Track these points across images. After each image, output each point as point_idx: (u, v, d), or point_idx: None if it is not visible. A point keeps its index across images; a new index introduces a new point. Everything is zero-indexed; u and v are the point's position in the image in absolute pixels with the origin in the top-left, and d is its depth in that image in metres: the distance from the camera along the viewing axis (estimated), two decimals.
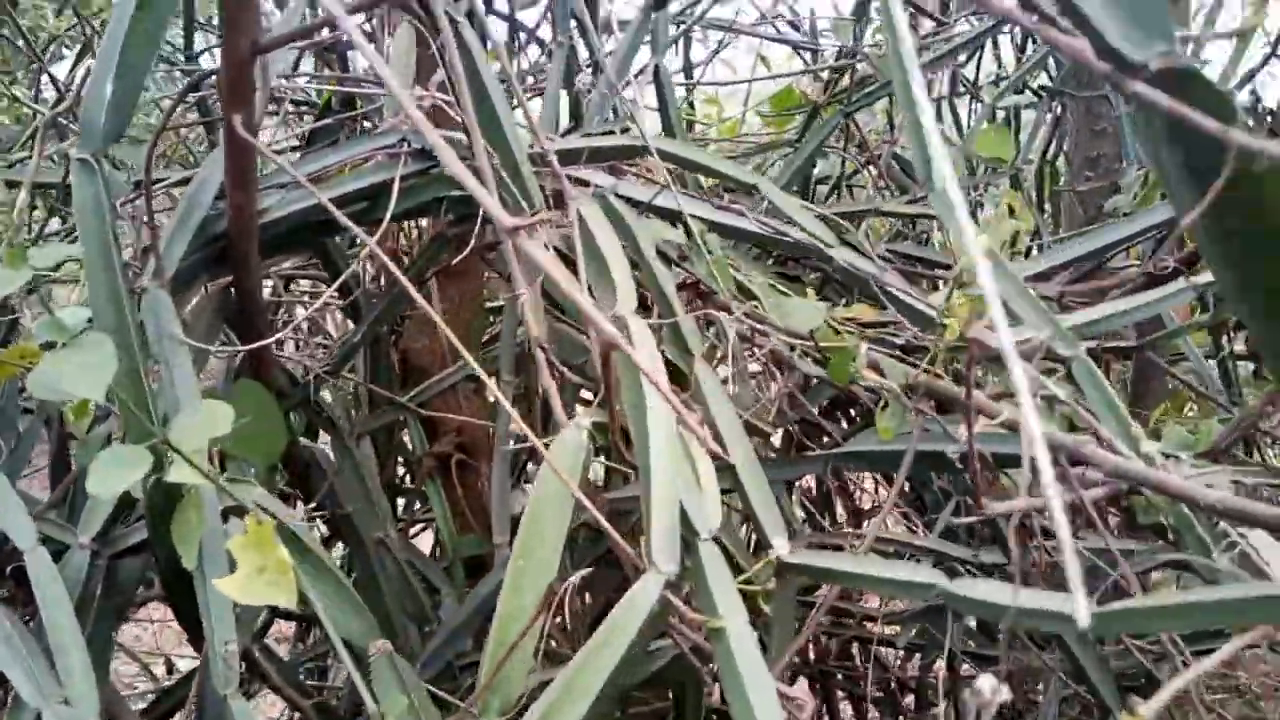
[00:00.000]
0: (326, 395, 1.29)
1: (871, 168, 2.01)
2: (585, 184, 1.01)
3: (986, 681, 0.38)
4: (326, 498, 1.19)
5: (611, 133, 1.05)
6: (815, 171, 2.03)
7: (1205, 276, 1.05)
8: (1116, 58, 0.36)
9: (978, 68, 2.44)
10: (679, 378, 0.87)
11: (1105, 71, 0.37)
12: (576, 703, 0.56)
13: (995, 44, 2.49)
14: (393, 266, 0.74)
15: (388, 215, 0.94)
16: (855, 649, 1.95)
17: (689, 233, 1.01)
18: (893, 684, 2.05)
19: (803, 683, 1.94)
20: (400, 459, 1.55)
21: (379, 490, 1.29)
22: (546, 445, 0.69)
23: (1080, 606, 0.53)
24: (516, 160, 0.82)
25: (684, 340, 0.85)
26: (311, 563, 0.79)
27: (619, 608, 0.59)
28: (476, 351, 1.39)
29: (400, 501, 1.67)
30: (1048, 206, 2.28)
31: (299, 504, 1.27)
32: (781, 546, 0.79)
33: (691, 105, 2.45)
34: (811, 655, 1.86)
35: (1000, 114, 2.82)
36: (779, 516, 0.80)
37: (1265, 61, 1.85)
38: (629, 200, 0.98)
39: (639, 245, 0.89)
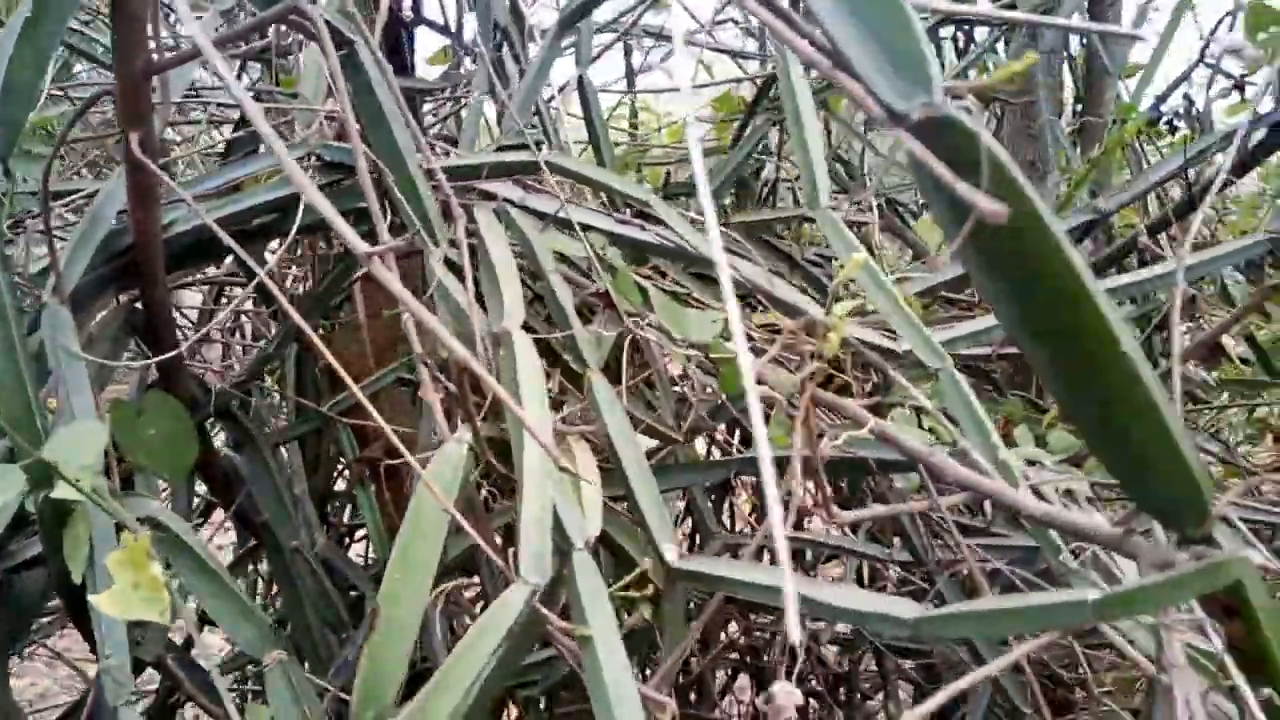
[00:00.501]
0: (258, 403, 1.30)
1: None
2: (493, 197, 1.02)
3: (780, 687, 0.41)
4: (250, 507, 1.20)
5: (522, 146, 1.07)
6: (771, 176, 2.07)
7: (1132, 277, 1.09)
8: (888, 108, 0.39)
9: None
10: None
11: (881, 119, 0.40)
12: (443, 696, 0.58)
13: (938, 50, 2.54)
14: (277, 291, 0.76)
15: (293, 229, 0.95)
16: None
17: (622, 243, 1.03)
18: (831, 678, 2.09)
19: (744, 681, 1.97)
20: (337, 465, 1.56)
21: (304, 497, 1.30)
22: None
23: (906, 610, 0.55)
24: (412, 178, 0.84)
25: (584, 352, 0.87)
26: (207, 575, 0.80)
27: (487, 614, 0.61)
28: (402, 356, 1.40)
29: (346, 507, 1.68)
30: None
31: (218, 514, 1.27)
32: (670, 553, 0.81)
33: (635, 112, 2.48)
34: (747, 653, 1.89)
35: None
36: (668, 523, 0.83)
37: (1191, 69, 1.90)
38: (538, 213, 1.00)
39: (538, 259, 0.91)
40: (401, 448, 0.68)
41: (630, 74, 2.35)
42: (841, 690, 2.06)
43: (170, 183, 0.79)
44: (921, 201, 3.05)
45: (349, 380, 0.64)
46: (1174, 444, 0.44)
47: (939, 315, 1.31)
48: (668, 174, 2.22)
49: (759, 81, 2.00)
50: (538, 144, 1.08)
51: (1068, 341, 0.42)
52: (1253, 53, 1.04)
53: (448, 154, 1.11)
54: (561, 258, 0.99)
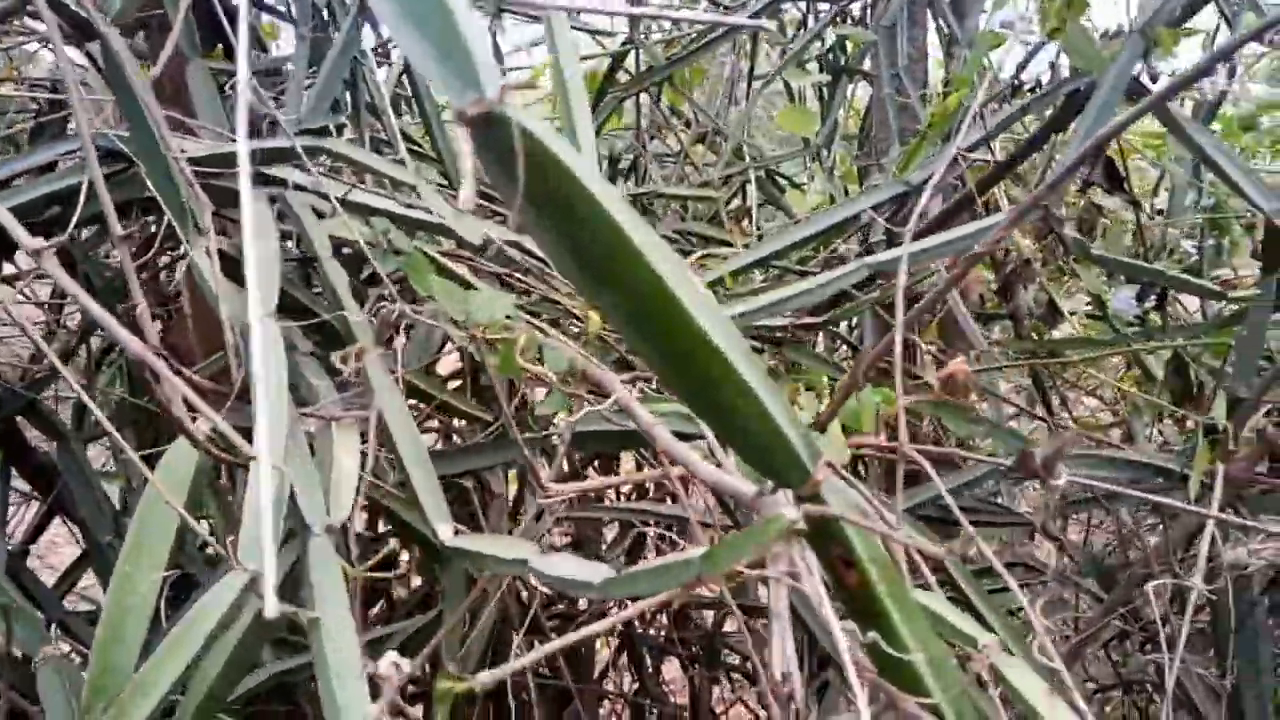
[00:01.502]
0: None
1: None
2: (282, 183, 1.02)
3: (385, 660, 0.43)
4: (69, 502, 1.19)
5: (324, 130, 1.07)
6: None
7: (883, 255, 1.13)
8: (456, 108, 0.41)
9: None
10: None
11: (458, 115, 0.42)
12: (148, 695, 0.59)
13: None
14: (68, 280, 0.75)
15: (73, 221, 0.94)
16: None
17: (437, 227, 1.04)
18: (712, 642, 2.14)
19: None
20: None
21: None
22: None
23: (598, 575, 0.58)
24: (170, 169, 0.83)
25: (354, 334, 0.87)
26: None
27: (196, 605, 0.62)
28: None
29: None
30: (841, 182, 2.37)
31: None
32: (445, 532, 0.83)
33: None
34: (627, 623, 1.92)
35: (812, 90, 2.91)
36: (442, 504, 0.84)
37: (1035, 51, 1.96)
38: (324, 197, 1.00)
39: (313, 244, 0.91)
40: (194, 436, 0.69)
41: (498, 53, 2.34)
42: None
43: None
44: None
45: (163, 370, 0.63)
46: (769, 417, 0.47)
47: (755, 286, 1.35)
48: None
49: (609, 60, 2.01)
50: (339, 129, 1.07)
51: (650, 324, 0.44)
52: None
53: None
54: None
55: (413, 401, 1.12)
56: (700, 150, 2.50)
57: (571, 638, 0.49)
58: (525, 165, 0.40)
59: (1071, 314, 1.85)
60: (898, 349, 0.77)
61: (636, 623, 2.05)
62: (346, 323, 0.87)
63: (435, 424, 1.51)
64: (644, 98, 2.56)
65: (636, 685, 2.00)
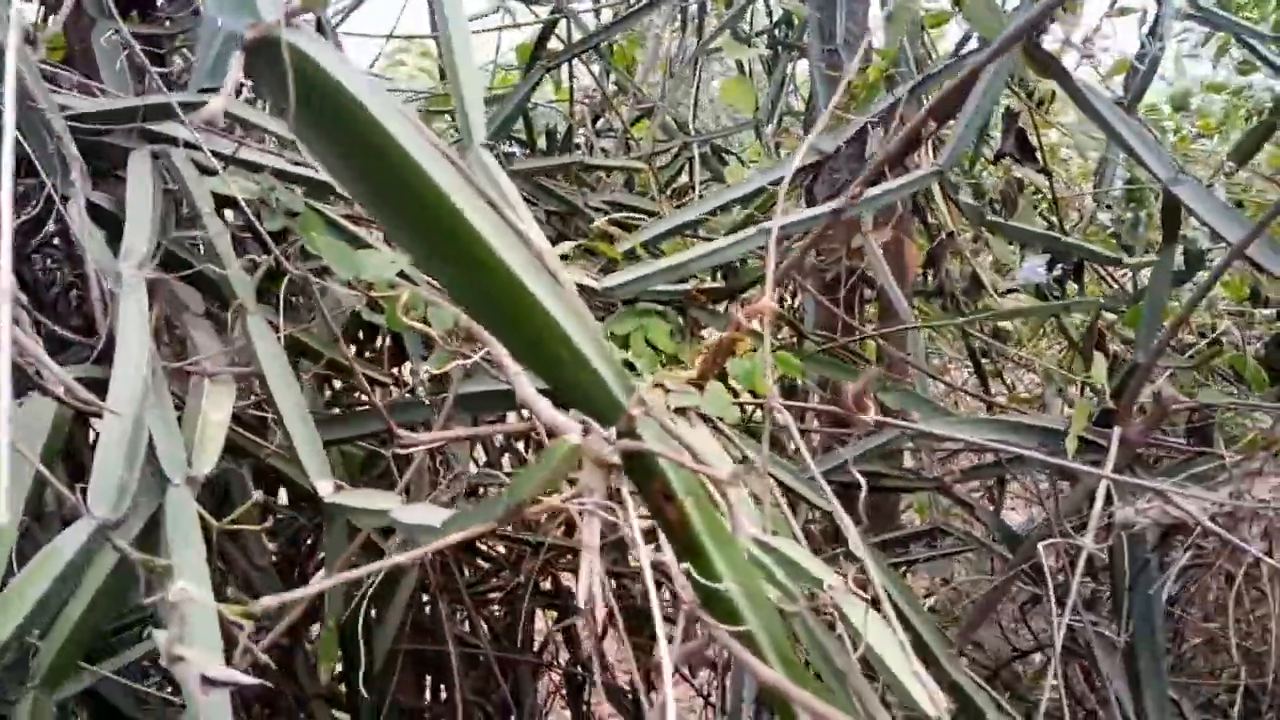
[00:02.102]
0: None
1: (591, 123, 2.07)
2: (172, 141, 1.01)
3: (178, 586, 0.43)
4: None
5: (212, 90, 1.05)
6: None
7: (789, 219, 1.14)
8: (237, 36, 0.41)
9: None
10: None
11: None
12: None
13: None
14: None
15: None
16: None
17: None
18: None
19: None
20: None
21: None
22: None
23: (437, 518, 0.59)
24: (39, 125, 0.82)
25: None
26: None
27: (43, 551, 0.62)
28: None
29: None
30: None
31: None
32: (324, 488, 0.83)
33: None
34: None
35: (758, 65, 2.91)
36: (323, 461, 0.84)
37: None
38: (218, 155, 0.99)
39: (194, 201, 0.90)
40: (44, 386, 0.68)
41: (436, 22, 2.32)
42: None
43: None
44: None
45: None
46: (582, 356, 0.48)
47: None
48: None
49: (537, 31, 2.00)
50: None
51: (439, 244, 0.44)
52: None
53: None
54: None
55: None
56: (645, 126, 2.50)
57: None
58: (299, 86, 0.40)
59: (1008, 292, 1.89)
60: (767, 313, 0.78)
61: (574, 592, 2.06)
62: (227, 280, 0.86)
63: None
64: (592, 75, 2.56)
65: (568, 658, 2.01)
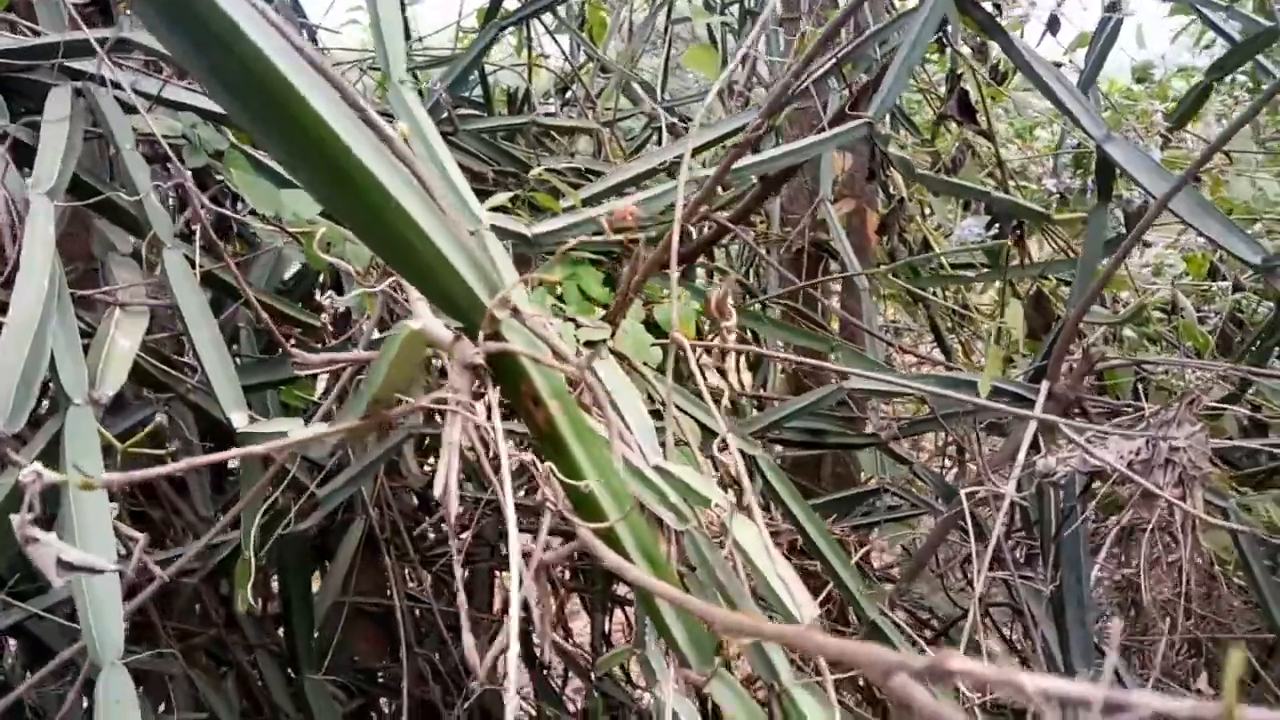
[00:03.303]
0: None
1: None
2: (98, 79, 1.01)
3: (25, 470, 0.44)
4: None
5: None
6: None
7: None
8: None
9: None
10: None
11: None
12: None
13: None
14: None
15: None
16: None
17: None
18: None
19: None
20: None
21: None
22: None
23: (300, 433, 0.59)
24: None
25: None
26: None
27: None
28: None
29: None
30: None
31: None
32: (239, 419, 0.84)
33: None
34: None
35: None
36: (238, 393, 0.85)
37: None
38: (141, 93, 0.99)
39: (115, 139, 0.90)
40: None
41: None
42: None
43: None
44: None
45: None
46: (441, 257, 0.48)
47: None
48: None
49: None
50: None
51: (292, 139, 0.45)
52: None
53: None
54: None
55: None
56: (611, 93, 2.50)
57: None
58: None
59: (976, 269, 1.91)
60: (674, 252, 0.79)
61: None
62: (144, 212, 0.87)
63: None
64: (556, 43, 2.55)
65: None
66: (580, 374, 0.51)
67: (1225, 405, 1.26)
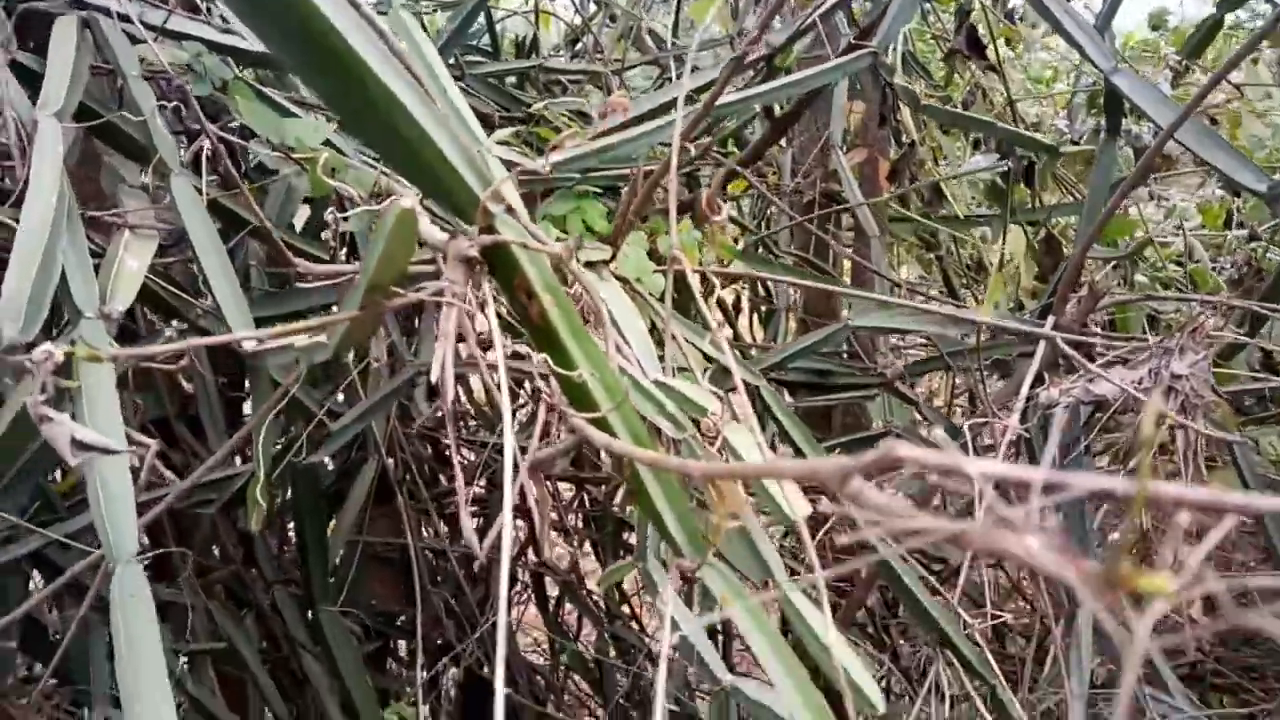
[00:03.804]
0: None
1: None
2: (105, 11, 1.02)
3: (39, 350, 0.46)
4: None
5: None
6: None
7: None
8: None
9: None
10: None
11: None
12: None
13: None
14: None
15: None
16: None
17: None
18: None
19: None
20: None
21: None
22: None
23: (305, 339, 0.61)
24: None
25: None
26: None
27: None
28: None
29: None
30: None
31: None
32: (248, 343, 0.86)
33: None
34: None
35: None
36: (247, 318, 0.87)
37: None
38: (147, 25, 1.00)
39: (121, 68, 0.91)
40: None
41: None
42: None
43: None
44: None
45: None
46: (436, 150, 0.49)
47: None
48: None
49: None
50: None
51: (297, 39, 0.46)
52: None
53: None
54: None
55: None
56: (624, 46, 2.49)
57: None
58: None
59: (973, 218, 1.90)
60: (674, 167, 0.79)
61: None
62: (150, 137, 0.88)
63: None
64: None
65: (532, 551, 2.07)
66: (566, 260, 0.52)
67: (1239, 339, 1.26)
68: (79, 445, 0.47)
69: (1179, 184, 2.38)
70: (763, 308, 2.50)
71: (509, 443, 0.49)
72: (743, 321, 2.59)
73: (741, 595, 0.57)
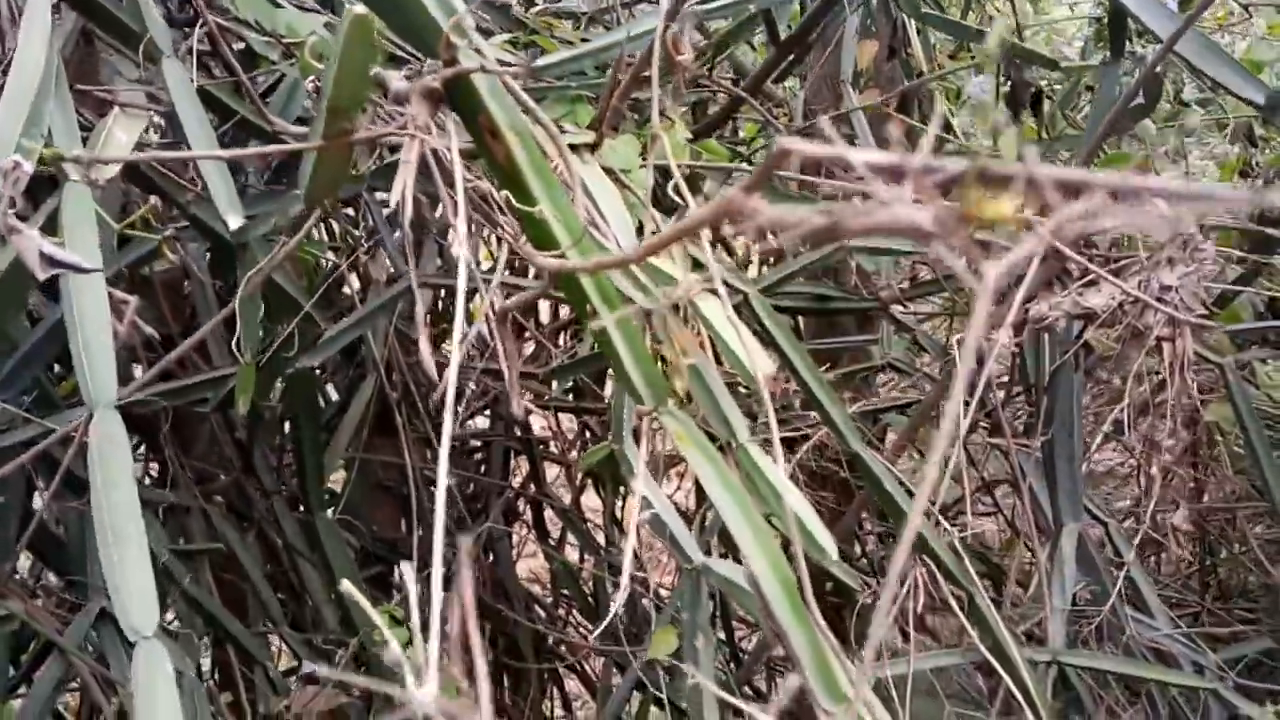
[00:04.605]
0: None
1: None
2: None
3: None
4: None
5: None
6: None
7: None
8: None
9: None
10: None
11: None
12: None
13: None
14: None
15: None
16: None
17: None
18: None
19: None
20: None
21: None
22: None
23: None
24: None
25: None
26: None
27: None
28: None
29: None
30: None
31: None
32: (234, 221, 0.87)
33: None
34: None
35: None
36: (233, 195, 0.88)
37: None
38: None
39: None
40: None
41: None
42: None
43: None
44: None
45: None
46: None
47: None
48: None
49: None
50: None
51: None
52: None
53: None
54: None
55: None
56: None
57: None
58: None
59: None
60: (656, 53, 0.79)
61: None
62: (141, 21, 0.88)
63: None
64: None
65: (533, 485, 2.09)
66: (522, 80, 0.53)
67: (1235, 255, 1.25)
68: (48, 260, 0.49)
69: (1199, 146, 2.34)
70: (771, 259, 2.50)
71: (462, 273, 0.50)
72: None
73: (701, 441, 0.58)
